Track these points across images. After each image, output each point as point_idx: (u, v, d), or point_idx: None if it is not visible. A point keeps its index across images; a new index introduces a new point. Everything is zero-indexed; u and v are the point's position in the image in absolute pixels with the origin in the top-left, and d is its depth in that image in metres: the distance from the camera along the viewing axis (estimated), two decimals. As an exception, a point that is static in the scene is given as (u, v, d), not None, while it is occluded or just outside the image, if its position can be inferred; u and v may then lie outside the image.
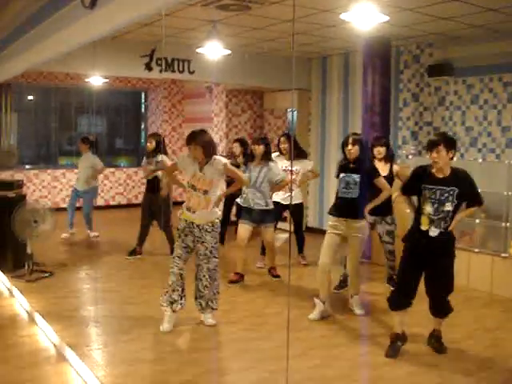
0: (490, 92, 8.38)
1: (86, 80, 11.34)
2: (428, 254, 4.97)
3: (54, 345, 5.25)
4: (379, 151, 7.11)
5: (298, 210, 8.54)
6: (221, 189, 5.78)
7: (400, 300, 5.10)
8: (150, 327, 5.70)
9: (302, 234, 8.60)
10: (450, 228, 4.91)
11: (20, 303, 6.51)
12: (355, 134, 6.34)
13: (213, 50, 8.19)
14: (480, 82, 8.49)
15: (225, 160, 5.71)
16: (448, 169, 4.95)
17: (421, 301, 5.14)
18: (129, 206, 14.24)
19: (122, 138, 15.92)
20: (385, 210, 6.80)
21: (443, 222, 4.89)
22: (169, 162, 8.23)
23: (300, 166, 8.22)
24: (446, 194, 4.87)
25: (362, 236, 6.10)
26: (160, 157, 8.50)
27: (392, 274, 7.03)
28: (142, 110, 15.41)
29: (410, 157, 8.82)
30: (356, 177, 6.00)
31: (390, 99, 8.90)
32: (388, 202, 6.62)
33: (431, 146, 4.91)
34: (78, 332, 5.59)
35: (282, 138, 8.28)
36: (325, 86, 11.09)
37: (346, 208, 6.05)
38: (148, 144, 8.64)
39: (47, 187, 13.37)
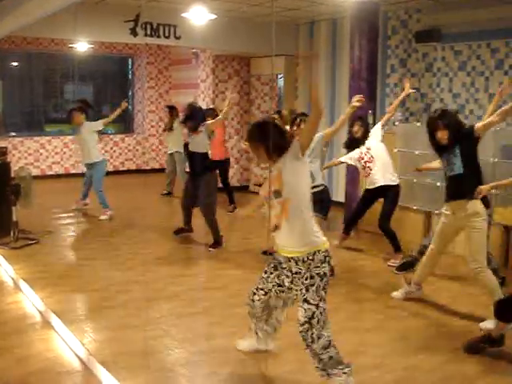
0: (478, 58, 8.34)
1: (71, 46, 11.18)
2: None
3: (40, 311, 5.25)
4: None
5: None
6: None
7: None
8: (135, 293, 5.73)
9: None
10: None
11: (5, 270, 6.49)
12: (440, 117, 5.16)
13: (198, 15, 8.09)
14: (468, 48, 8.45)
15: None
16: None
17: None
18: (115, 173, 14.13)
19: (108, 104, 15.76)
20: None
21: None
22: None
23: None
24: None
25: None
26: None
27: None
28: (129, 76, 15.24)
29: (397, 123, 8.79)
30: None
31: (377, 65, 8.82)
32: None
33: None
34: (63, 299, 5.60)
35: None
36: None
37: None
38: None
39: (33, 155, 13.25)
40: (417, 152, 7.89)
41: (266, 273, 3.96)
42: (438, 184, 7.59)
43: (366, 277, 6.53)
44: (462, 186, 5.05)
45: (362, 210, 7.30)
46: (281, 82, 11.74)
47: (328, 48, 10.64)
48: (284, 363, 4.21)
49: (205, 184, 7.45)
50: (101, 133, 9.63)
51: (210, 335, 4.80)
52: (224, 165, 9.97)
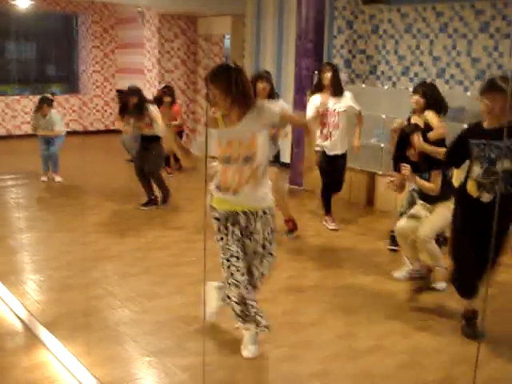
0: (424, 21, 8.40)
1: (12, 2, 10.77)
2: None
3: (-21, 274, 5.17)
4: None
5: None
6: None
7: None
8: (78, 254, 5.68)
9: None
10: None
11: None
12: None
13: (142, -29, 7.89)
14: (414, 10, 8.49)
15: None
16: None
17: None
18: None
19: (53, 64, 15.33)
20: None
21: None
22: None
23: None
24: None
25: None
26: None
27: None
28: (74, 34, 14.80)
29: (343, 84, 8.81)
30: None
31: (324, 26, 8.79)
32: None
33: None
34: (4, 261, 5.51)
35: None
36: (259, 12, 10.88)
37: None
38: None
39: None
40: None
41: (223, 239, 3.77)
42: (382, 145, 7.70)
43: (306, 237, 6.63)
44: (439, 196, 4.94)
45: (329, 177, 6.86)
46: (227, 43, 11.63)
47: (275, 7, 10.52)
48: (224, 319, 4.25)
49: (155, 151, 7.46)
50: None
51: (153, 294, 4.81)
52: (181, 133, 9.92)
